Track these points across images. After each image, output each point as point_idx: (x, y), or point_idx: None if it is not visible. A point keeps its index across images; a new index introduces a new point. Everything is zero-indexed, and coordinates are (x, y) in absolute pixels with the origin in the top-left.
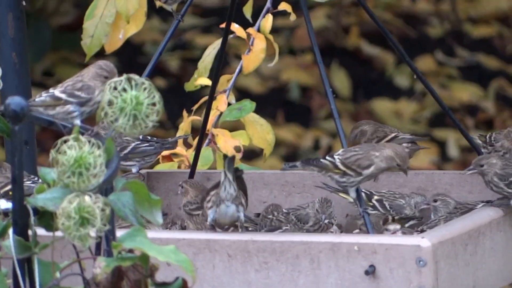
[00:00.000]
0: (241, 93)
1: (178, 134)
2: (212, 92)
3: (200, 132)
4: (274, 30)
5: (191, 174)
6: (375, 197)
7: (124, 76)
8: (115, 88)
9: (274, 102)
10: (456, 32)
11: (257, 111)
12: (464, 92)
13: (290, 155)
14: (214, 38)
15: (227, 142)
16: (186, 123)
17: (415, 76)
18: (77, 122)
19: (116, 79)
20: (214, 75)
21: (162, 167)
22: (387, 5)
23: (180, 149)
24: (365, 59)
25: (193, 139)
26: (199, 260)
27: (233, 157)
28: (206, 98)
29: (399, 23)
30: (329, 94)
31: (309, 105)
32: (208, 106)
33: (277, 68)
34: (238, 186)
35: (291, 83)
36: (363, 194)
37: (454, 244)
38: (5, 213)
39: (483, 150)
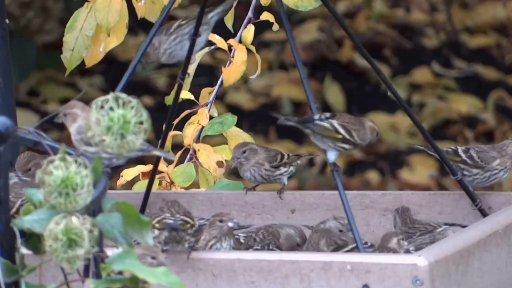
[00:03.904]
0: (232, 109)
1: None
2: (176, 98)
3: (161, 139)
4: (265, 45)
5: (146, 197)
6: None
7: (111, 94)
8: (102, 107)
9: (266, 118)
10: (453, 42)
11: (249, 127)
12: (463, 104)
13: None
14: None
15: (209, 157)
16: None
17: (389, 93)
18: None
19: (102, 97)
20: (178, 83)
21: (142, 184)
22: (381, 16)
23: (160, 165)
24: (359, 72)
25: (174, 154)
26: (182, 280)
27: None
28: (187, 111)
29: (394, 34)
30: (314, 110)
31: None
32: (170, 113)
33: (269, 84)
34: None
35: (283, 99)
36: None
37: (447, 263)
38: None
39: (462, 167)
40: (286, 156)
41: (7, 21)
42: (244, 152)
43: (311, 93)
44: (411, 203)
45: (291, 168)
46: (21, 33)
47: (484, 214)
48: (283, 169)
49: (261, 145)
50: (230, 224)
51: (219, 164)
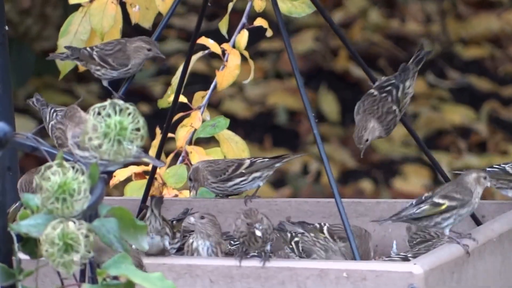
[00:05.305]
0: (227, 118)
1: (150, 152)
2: (174, 102)
3: (160, 140)
4: (260, 54)
5: (144, 199)
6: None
7: (108, 101)
8: (99, 114)
9: (261, 127)
10: (447, 53)
11: (244, 135)
12: (456, 115)
13: (278, 180)
14: (199, 62)
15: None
16: (159, 140)
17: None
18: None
19: (99, 104)
20: (177, 87)
21: (135, 184)
22: (377, 27)
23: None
24: (354, 82)
25: (166, 157)
26: (180, 286)
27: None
28: (181, 114)
29: (389, 45)
30: (312, 119)
31: (297, 130)
32: (170, 115)
33: (264, 92)
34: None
35: (278, 108)
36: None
37: (442, 271)
38: None
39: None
40: (247, 164)
41: (6, 28)
42: (190, 179)
43: (308, 102)
44: None
45: (257, 174)
46: (20, 39)
47: (477, 222)
48: (238, 180)
49: (215, 159)
50: (190, 220)
51: None
